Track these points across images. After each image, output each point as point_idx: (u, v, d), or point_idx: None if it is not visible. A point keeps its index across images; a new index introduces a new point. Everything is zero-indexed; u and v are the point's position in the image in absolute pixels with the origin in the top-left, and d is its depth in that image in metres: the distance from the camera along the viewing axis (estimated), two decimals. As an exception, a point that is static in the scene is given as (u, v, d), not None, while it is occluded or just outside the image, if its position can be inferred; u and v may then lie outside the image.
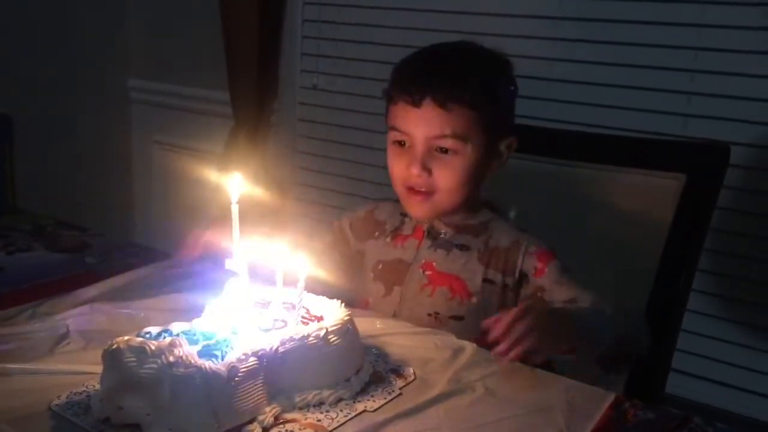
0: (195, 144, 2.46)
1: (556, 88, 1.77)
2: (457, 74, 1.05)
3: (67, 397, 0.79)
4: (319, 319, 0.84)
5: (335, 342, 0.81)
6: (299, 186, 2.27)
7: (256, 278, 0.83)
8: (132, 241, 1.70)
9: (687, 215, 1.12)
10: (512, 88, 1.11)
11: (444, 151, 1.05)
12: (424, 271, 1.11)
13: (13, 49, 2.30)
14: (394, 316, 1.11)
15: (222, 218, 1.07)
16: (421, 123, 1.05)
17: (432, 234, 1.12)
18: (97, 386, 0.77)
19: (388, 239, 1.15)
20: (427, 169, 1.05)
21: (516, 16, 1.82)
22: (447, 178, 1.06)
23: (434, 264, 1.10)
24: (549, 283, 1.05)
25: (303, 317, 0.84)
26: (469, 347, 0.95)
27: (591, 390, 0.87)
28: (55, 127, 2.46)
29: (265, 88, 2.24)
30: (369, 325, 0.97)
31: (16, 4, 2.32)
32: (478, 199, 1.13)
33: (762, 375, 1.63)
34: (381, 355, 0.91)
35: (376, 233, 1.17)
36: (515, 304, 1.07)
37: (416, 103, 1.04)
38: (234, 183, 0.84)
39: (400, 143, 1.07)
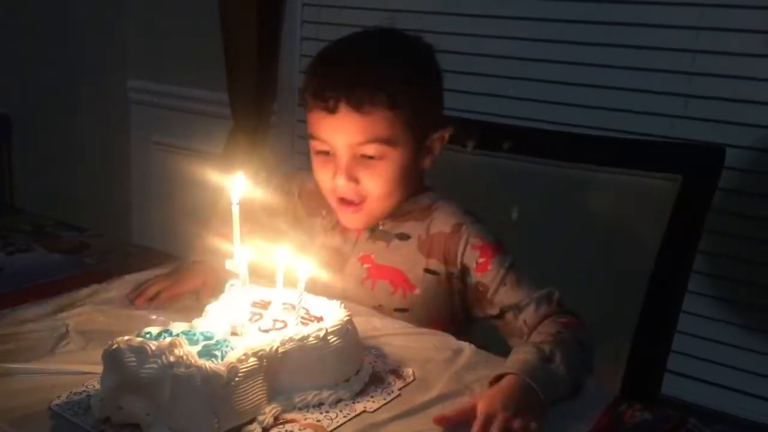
0: (194, 145, 2.46)
1: (551, 90, 1.77)
2: (371, 73, 0.96)
3: (67, 397, 0.79)
4: (319, 319, 0.85)
5: (335, 343, 0.82)
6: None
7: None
8: (131, 241, 1.71)
9: (683, 216, 1.12)
10: (436, 76, 1.03)
11: (370, 157, 0.99)
12: (362, 264, 1.07)
13: (13, 50, 2.30)
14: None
15: (186, 269, 1.05)
16: (339, 131, 0.98)
17: (370, 226, 1.07)
18: (97, 386, 0.78)
19: (331, 225, 1.09)
20: (354, 179, 0.99)
21: (512, 18, 1.82)
22: (376, 185, 1.00)
23: (373, 257, 1.06)
24: (492, 281, 1.00)
25: (303, 318, 0.84)
26: (468, 348, 0.95)
27: (588, 391, 0.87)
28: (53, 127, 2.46)
29: (264, 90, 2.24)
30: (368, 325, 0.98)
31: (15, 5, 2.32)
32: (418, 184, 1.07)
33: (758, 377, 1.64)
34: (380, 355, 0.91)
35: (324, 212, 1.10)
36: (462, 296, 1.04)
37: (331, 110, 0.97)
38: (235, 184, 0.84)
39: (324, 152, 1.01)
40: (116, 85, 2.59)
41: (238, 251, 0.83)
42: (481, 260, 1.01)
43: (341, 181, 0.99)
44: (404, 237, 1.06)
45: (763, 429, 1.61)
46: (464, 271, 1.03)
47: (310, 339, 0.80)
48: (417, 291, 1.05)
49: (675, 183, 1.12)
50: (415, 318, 1.04)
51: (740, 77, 1.58)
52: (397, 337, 0.97)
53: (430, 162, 1.05)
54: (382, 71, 0.97)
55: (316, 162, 1.03)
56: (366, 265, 1.07)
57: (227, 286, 0.85)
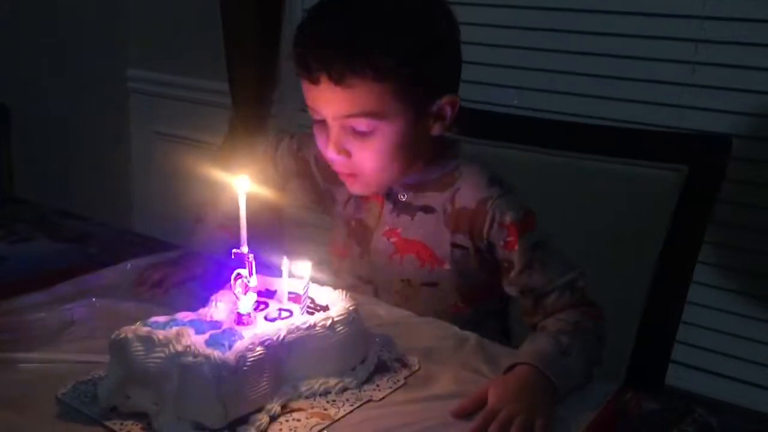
0: (195, 134, 2.45)
1: (557, 80, 1.77)
2: (353, 41, 0.87)
3: (73, 387, 0.79)
4: (325, 308, 0.84)
5: (341, 331, 0.82)
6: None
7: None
8: (133, 230, 1.70)
9: (689, 207, 1.12)
10: (441, 36, 0.93)
11: (359, 131, 0.92)
12: (389, 239, 1.03)
13: (11, 40, 2.29)
14: (370, 282, 1.07)
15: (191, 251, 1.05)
16: (322, 102, 0.91)
17: (391, 197, 1.02)
18: (104, 375, 0.78)
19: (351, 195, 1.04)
20: (344, 152, 0.93)
21: (517, 7, 1.81)
22: (368, 160, 0.94)
23: (399, 231, 1.02)
24: (518, 261, 0.95)
25: (308, 307, 0.84)
26: (473, 338, 0.95)
27: (593, 380, 0.87)
28: (53, 117, 2.45)
29: (265, 79, 2.23)
30: (372, 314, 0.98)
31: (14, -6, 2.31)
32: (437, 149, 0.99)
33: (764, 367, 1.64)
34: (385, 344, 0.91)
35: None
36: (494, 267, 0.99)
37: (314, 81, 0.90)
38: (239, 183, 0.83)
39: (319, 121, 0.95)
40: (116, 75, 2.57)
41: (245, 242, 0.82)
42: (509, 239, 0.95)
43: (331, 155, 0.94)
44: (428, 210, 1.00)
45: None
46: (491, 247, 0.98)
47: (316, 328, 0.80)
48: (446, 266, 1.01)
49: (681, 173, 1.12)
50: (444, 294, 1.02)
51: (745, 67, 1.57)
52: (402, 327, 0.97)
53: (440, 128, 0.96)
54: (367, 40, 0.88)
55: (315, 130, 0.97)
56: (392, 239, 1.03)
57: (233, 275, 0.85)
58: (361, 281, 1.09)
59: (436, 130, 0.97)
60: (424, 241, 1.02)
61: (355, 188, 1.00)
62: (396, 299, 1.05)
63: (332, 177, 1.03)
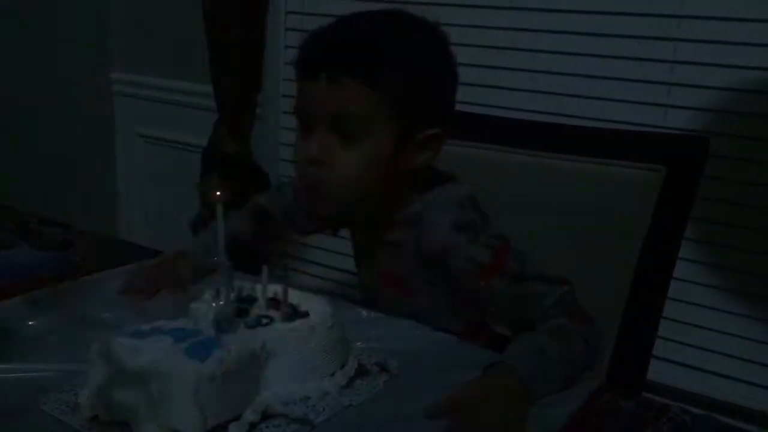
0: (180, 137, 2.46)
1: (534, 79, 1.78)
2: (359, 45, 0.92)
3: (55, 396, 0.79)
4: (305, 315, 0.85)
5: (321, 337, 0.82)
6: (283, 178, 2.27)
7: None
8: (117, 238, 1.70)
9: (668, 207, 1.13)
10: (443, 68, 0.97)
11: (343, 136, 0.92)
12: (374, 269, 1.06)
13: (-7, 43, 2.27)
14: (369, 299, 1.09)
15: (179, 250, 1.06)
16: (315, 100, 0.93)
17: (361, 229, 1.06)
18: (85, 384, 0.78)
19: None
20: (324, 154, 0.93)
21: (497, 7, 1.82)
22: (345, 168, 0.93)
23: (380, 262, 1.04)
24: (498, 301, 0.94)
25: (288, 313, 0.85)
26: (454, 341, 0.96)
27: (576, 384, 0.87)
28: (36, 120, 2.43)
29: (248, 81, 2.24)
30: (353, 319, 0.98)
31: (-5, -2, 2.30)
32: (405, 188, 0.99)
33: (745, 362, 1.66)
34: (365, 348, 0.92)
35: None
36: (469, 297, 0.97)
37: (312, 77, 0.92)
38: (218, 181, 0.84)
39: (304, 128, 0.96)
40: (99, 78, 2.57)
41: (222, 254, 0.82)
42: (482, 283, 0.93)
43: (310, 156, 0.93)
44: (396, 245, 1.00)
45: (750, 413, 1.63)
46: (468, 286, 0.96)
47: (296, 334, 0.81)
48: (424, 301, 1.01)
49: (659, 174, 1.13)
50: (435, 316, 1.00)
51: (722, 65, 1.59)
52: (383, 330, 0.98)
53: (419, 162, 0.96)
54: (371, 47, 0.92)
55: (298, 139, 0.97)
56: (376, 269, 1.05)
57: (212, 282, 0.85)
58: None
59: (417, 161, 0.96)
60: (400, 274, 1.02)
61: (316, 205, 0.98)
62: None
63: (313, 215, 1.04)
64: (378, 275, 1.05)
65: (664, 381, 1.61)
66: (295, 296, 0.87)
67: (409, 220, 0.98)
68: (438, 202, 0.98)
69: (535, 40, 1.78)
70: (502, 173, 1.20)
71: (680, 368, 1.71)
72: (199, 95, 2.33)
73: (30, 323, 0.96)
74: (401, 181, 0.98)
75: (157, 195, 2.55)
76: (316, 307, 0.86)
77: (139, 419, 0.73)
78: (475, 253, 0.93)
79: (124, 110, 2.62)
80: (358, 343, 0.91)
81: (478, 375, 0.84)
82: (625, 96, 1.69)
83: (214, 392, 0.72)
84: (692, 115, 1.63)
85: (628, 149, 1.18)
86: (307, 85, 0.94)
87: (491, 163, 1.14)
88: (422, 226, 0.97)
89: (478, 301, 0.97)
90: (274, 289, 0.85)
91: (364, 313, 1.02)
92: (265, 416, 0.77)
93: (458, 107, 1.02)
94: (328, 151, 0.94)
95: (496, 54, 1.83)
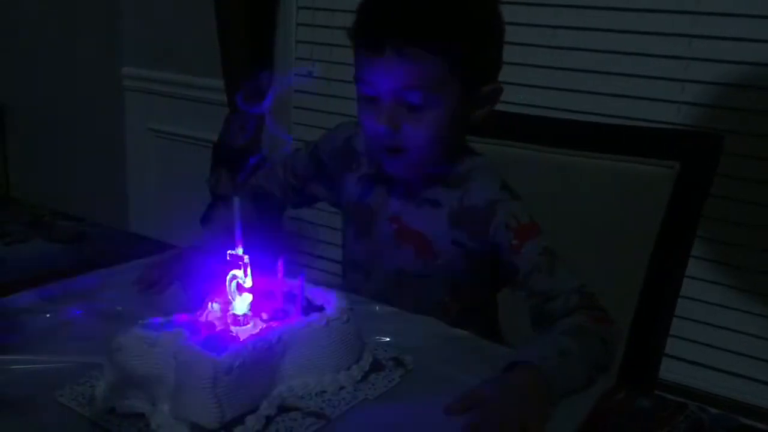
0: (190, 132, 2.46)
1: (548, 76, 1.77)
2: (421, 15, 0.93)
3: (71, 388, 0.79)
4: (320, 309, 0.85)
5: (336, 331, 0.82)
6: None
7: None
8: (129, 231, 1.71)
9: (681, 203, 1.13)
10: (495, 23, 0.99)
11: (412, 103, 0.95)
12: (391, 224, 1.05)
13: (6, 39, 2.28)
14: (362, 268, 1.09)
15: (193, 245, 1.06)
16: (383, 74, 0.94)
17: (404, 184, 1.05)
18: (102, 377, 0.78)
19: (362, 178, 1.09)
20: (396, 126, 0.96)
21: (514, 3, 1.82)
22: (418, 135, 0.96)
23: (402, 218, 1.05)
24: (524, 265, 0.96)
25: (304, 307, 0.85)
26: (468, 337, 0.95)
27: (595, 385, 0.86)
28: (48, 116, 2.45)
29: (260, 76, 2.23)
30: (368, 313, 0.98)
31: (8, -7, 2.31)
32: (458, 146, 1.04)
33: (757, 360, 1.65)
34: (380, 343, 0.92)
35: (354, 165, 1.10)
36: (491, 271, 1.02)
37: (376, 52, 0.93)
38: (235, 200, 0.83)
39: (369, 97, 0.98)
40: (110, 73, 2.57)
41: (240, 243, 0.82)
42: (514, 242, 0.97)
43: (382, 129, 0.96)
44: (435, 204, 1.03)
45: (763, 413, 1.63)
46: (495, 249, 1.00)
47: (312, 328, 0.81)
48: (439, 261, 1.03)
49: (673, 170, 1.12)
50: (435, 287, 1.03)
51: (738, 62, 1.58)
52: (397, 325, 0.97)
53: (480, 115, 1.01)
54: (433, 13, 0.93)
55: (361, 107, 1.00)
56: (394, 226, 1.05)
57: (228, 276, 0.85)
58: (353, 268, 1.10)
59: (476, 116, 1.01)
60: (425, 232, 1.04)
61: (395, 166, 1.02)
62: (385, 287, 1.06)
63: (341, 166, 1.10)
64: (396, 235, 1.05)
65: (676, 380, 1.60)
66: (310, 290, 0.87)
67: (456, 179, 1.03)
68: (483, 165, 1.04)
69: (549, 37, 1.77)
70: (515, 169, 1.20)
71: (693, 367, 1.70)
72: (209, 90, 2.33)
73: (45, 316, 0.96)
74: (461, 137, 1.03)
75: (168, 189, 2.55)
76: (330, 301, 0.86)
77: (156, 412, 0.73)
78: (517, 211, 0.99)
79: (135, 105, 2.62)
80: (373, 338, 0.91)
81: (494, 373, 0.84)
82: (639, 93, 1.68)
83: (231, 385, 0.72)
84: (706, 112, 1.62)
85: (642, 145, 1.18)
86: (370, 59, 0.95)
87: (505, 159, 1.13)
88: (468, 185, 1.02)
89: (506, 264, 0.98)
90: (290, 283, 0.85)
91: (378, 308, 1.02)
92: (282, 409, 0.77)
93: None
94: (400, 120, 0.96)
95: (509, 51, 1.82)
